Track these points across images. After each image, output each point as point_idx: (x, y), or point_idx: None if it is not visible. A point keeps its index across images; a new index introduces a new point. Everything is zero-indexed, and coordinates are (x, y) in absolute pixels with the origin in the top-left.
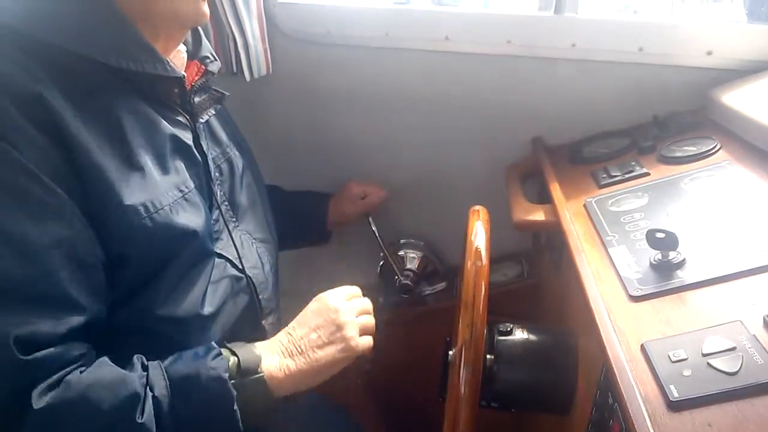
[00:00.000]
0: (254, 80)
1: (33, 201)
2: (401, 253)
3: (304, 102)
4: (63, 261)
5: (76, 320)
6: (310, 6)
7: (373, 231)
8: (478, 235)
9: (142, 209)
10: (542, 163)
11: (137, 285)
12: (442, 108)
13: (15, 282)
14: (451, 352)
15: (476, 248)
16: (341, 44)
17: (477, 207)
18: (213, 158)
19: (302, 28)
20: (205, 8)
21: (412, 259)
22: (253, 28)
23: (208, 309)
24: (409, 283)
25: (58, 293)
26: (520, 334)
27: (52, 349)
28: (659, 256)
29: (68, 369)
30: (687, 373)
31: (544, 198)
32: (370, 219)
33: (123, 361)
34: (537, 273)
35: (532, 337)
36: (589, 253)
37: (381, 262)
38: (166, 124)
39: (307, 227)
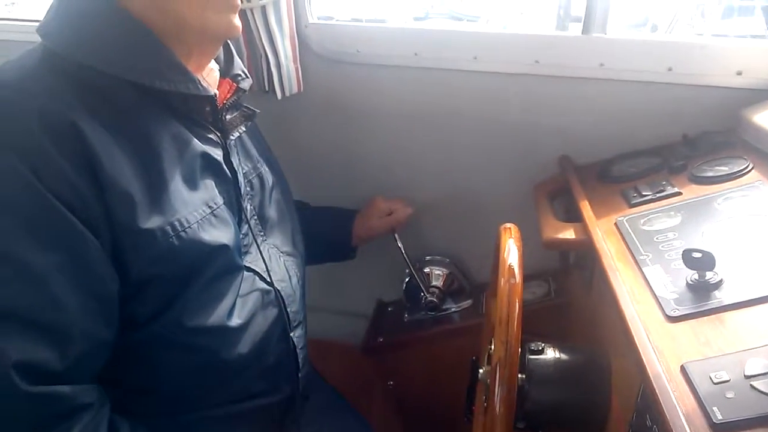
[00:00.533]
0: (285, 98)
1: (51, 231)
2: (427, 269)
3: (332, 119)
4: (74, 290)
5: (82, 350)
6: (340, 26)
7: (399, 247)
8: (511, 253)
9: (169, 229)
10: (571, 181)
11: (167, 300)
12: (469, 126)
13: (22, 308)
14: (481, 370)
15: (509, 266)
16: (370, 63)
17: (508, 225)
18: (245, 173)
19: (333, 47)
20: (237, 21)
21: (438, 276)
22: (285, 47)
23: (236, 321)
24: (435, 300)
25: (64, 321)
26: (551, 353)
27: (62, 387)
28: (696, 276)
29: (78, 421)
30: (730, 395)
31: (572, 216)
32: (396, 235)
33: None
34: (565, 292)
35: (564, 356)
36: (623, 272)
37: (407, 279)
38: (197, 141)
39: (332, 243)
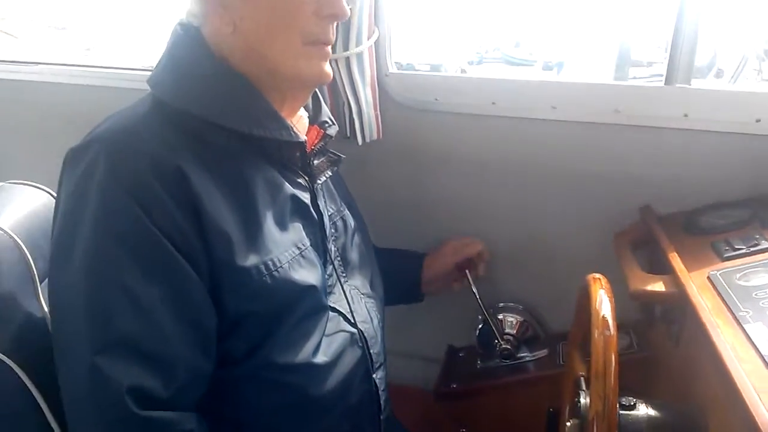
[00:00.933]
0: (365, 144)
1: (156, 264)
2: (500, 316)
3: (410, 166)
4: (178, 322)
5: (184, 379)
6: (420, 76)
7: (473, 291)
8: (603, 304)
9: (263, 267)
10: (655, 232)
11: (260, 338)
12: (546, 175)
13: (131, 335)
14: (568, 424)
15: (603, 317)
16: (448, 112)
17: (596, 275)
18: (329, 215)
19: (412, 96)
20: (328, 68)
21: (511, 323)
22: (366, 95)
23: (322, 358)
24: (510, 347)
25: (169, 351)
26: (644, 410)
27: (168, 413)
28: None
29: None
30: None
31: (656, 268)
32: (470, 278)
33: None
34: (649, 345)
35: (658, 413)
36: (723, 328)
37: (480, 325)
38: (288, 185)
39: (400, 285)
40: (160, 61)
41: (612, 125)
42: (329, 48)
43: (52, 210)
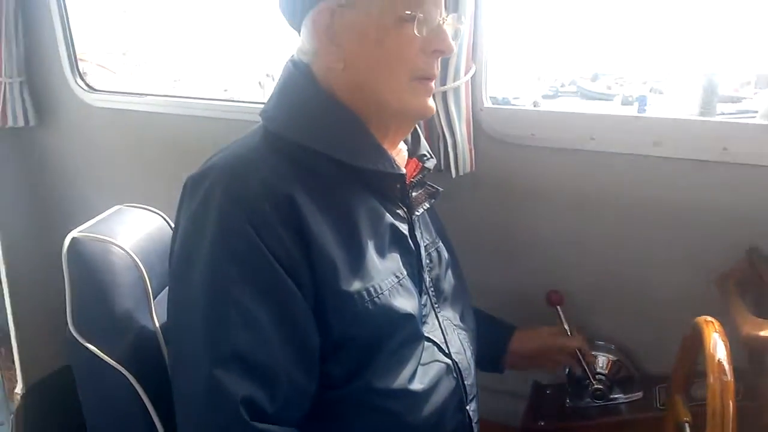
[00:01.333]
0: (458, 177)
1: (267, 284)
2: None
3: (502, 200)
4: (284, 340)
5: (288, 396)
6: (515, 110)
7: (565, 329)
8: (718, 348)
9: (365, 293)
10: (764, 275)
11: (360, 363)
12: (646, 212)
13: (243, 349)
14: None
15: (718, 361)
16: (544, 147)
17: (708, 318)
18: (425, 246)
19: (507, 130)
20: (431, 102)
21: (604, 362)
22: (461, 129)
23: (418, 386)
24: (602, 387)
25: (276, 367)
26: None
27: (275, 427)
28: None
29: None
30: None
31: (763, 312)
32: (561, 314)
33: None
34: (757, 395)
35: None
36: None
37: None
38: (388, 215)
39: (483, 352)
40: (272, 95)
41: (719, 163)
42: (433, 83)
43: (165, 232)
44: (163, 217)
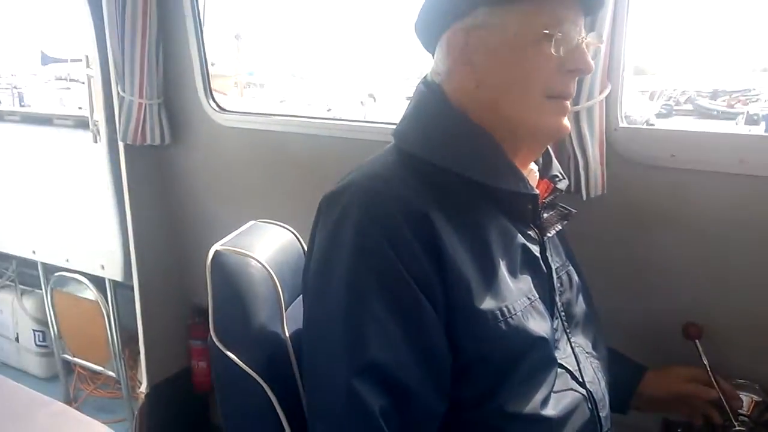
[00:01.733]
0: (588, 199)
1: (403, 302)
2: None
3: (633, 223)
4: (418, 358)
5: (419, 411)
6: (654, 131)
7: (704, 364)
8: None
9: (498, 313)
10: None
11: (490, 384)
12: None
13: (380, 362)
14: None
15: None
16: (686, 169)
17: None
18: (556, 269)
19: (642, 151)
20: (566, 122)
21: (746, 402)
22: (594, 150)
23: (551, 412)
24: (746, 430)
25: (408, 384)
26: None
27: None
28: None
29: None
30: None
31: None
32: (699, 348)
33: None
34: None
35: None
36: None
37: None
38: (519, 236)
39: (609, 391)
40: (404, 116)
41: None
42: (568, 102)
43: (295, 246)
44: (292, 232)
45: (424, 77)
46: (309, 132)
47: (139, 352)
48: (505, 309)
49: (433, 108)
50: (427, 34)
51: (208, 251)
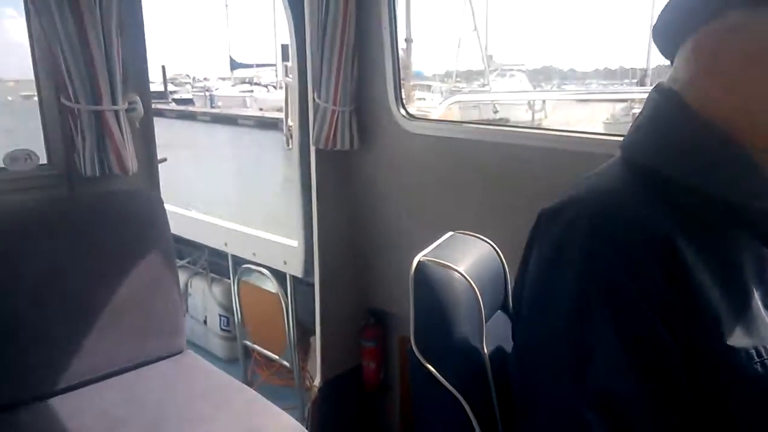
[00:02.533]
0: None
1: (634, 331)
2: None
3: None
4: (650, 398)
5: None
6: None
7: None
8: None
9: (754, 353)
10: None
11: None
12: None
13: (606, 393)
14: None
15: None
16: None
17: None
18: None
19: None
20: None
21: None
22: None
23: None
24: None
25: (634, 425)
26: None
27: None
28: None
29: None
30: None
31: None
32: None
33: None
34: None
35: None
36: None
37: None
38: None
39: None
40: (636, 127)
41: None
42: None
43: (494, 259)
44: (491, 245)
45: (656, 86)
46: (500, 140)
47: (311, 346)
48: (762, 348)
49: (675, 118)
50: (668, 37)
51: (389, 257)
